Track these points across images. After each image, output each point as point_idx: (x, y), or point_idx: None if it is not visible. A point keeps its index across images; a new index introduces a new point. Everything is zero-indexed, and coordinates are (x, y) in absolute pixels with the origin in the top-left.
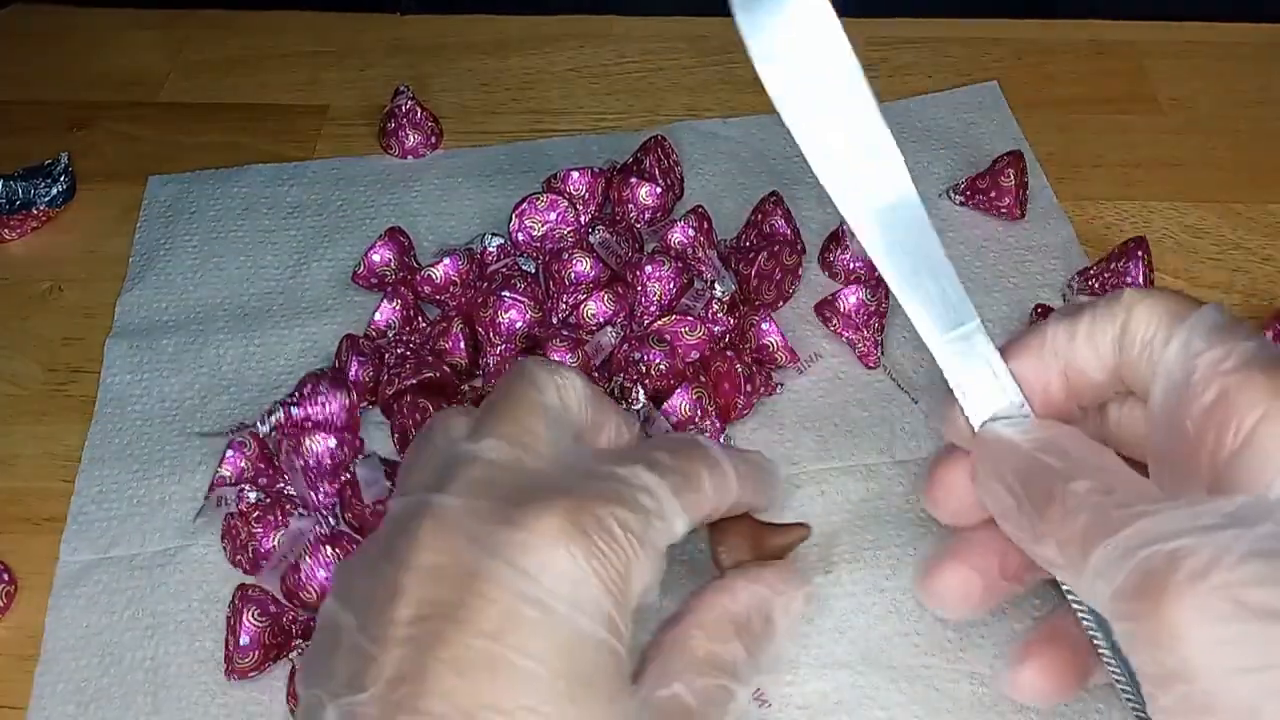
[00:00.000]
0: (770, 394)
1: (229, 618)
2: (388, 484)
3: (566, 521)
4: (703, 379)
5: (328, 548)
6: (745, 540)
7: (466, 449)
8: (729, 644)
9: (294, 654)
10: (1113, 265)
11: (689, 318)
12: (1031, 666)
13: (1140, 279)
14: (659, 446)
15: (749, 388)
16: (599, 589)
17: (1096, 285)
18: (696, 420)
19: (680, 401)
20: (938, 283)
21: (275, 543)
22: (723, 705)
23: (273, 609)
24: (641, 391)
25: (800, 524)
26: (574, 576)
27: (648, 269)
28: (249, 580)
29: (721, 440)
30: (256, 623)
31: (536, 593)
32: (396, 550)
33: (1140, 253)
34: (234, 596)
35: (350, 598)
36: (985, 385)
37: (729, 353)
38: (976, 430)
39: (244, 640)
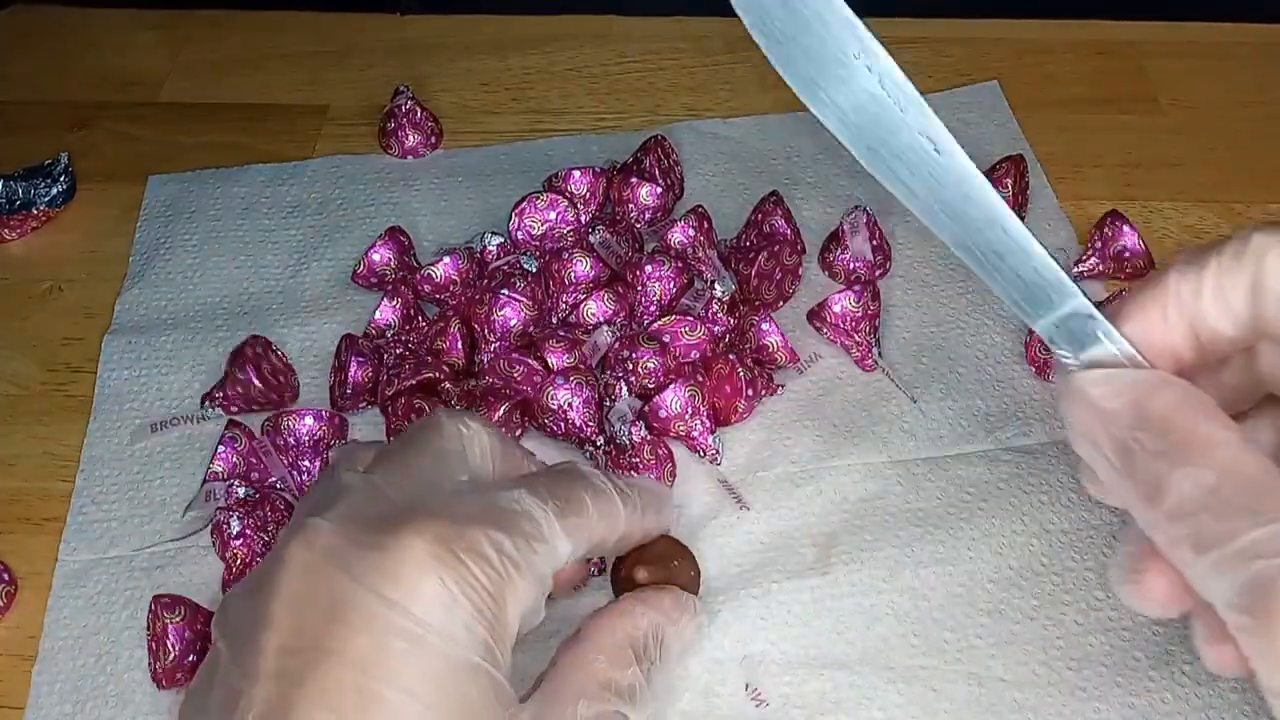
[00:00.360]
0: (771, 394)
1: (150, 628)
2: None
3: (437, 546)
4: (700, 378)
5: (234, 518)
6: (664, 565)
7: (352, 476)
8: (628, 670)
9: None
10: (1104, 233)
11: (689, 318)
12: (1155, 569)
13: (1134, 239)
14: (542, 475)
15: (750, 392)
16: (472, 615)
17: (1096, 258)
18: (687, 418)
19: (673, 397)
20: (1022, 255)
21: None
22: None
23: (187, 607)
24: (625, 388)
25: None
26: (444, 603)
27: (648, 269)
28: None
29: (712, 441)
30: (178, 623)
31: (405, 622)
32: (266, 575)
33: (1123, 229)
34: (151, 608)
35: (226, 625)
36: (1101, 359)
37: (731, 356)
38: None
39: (171, 639)
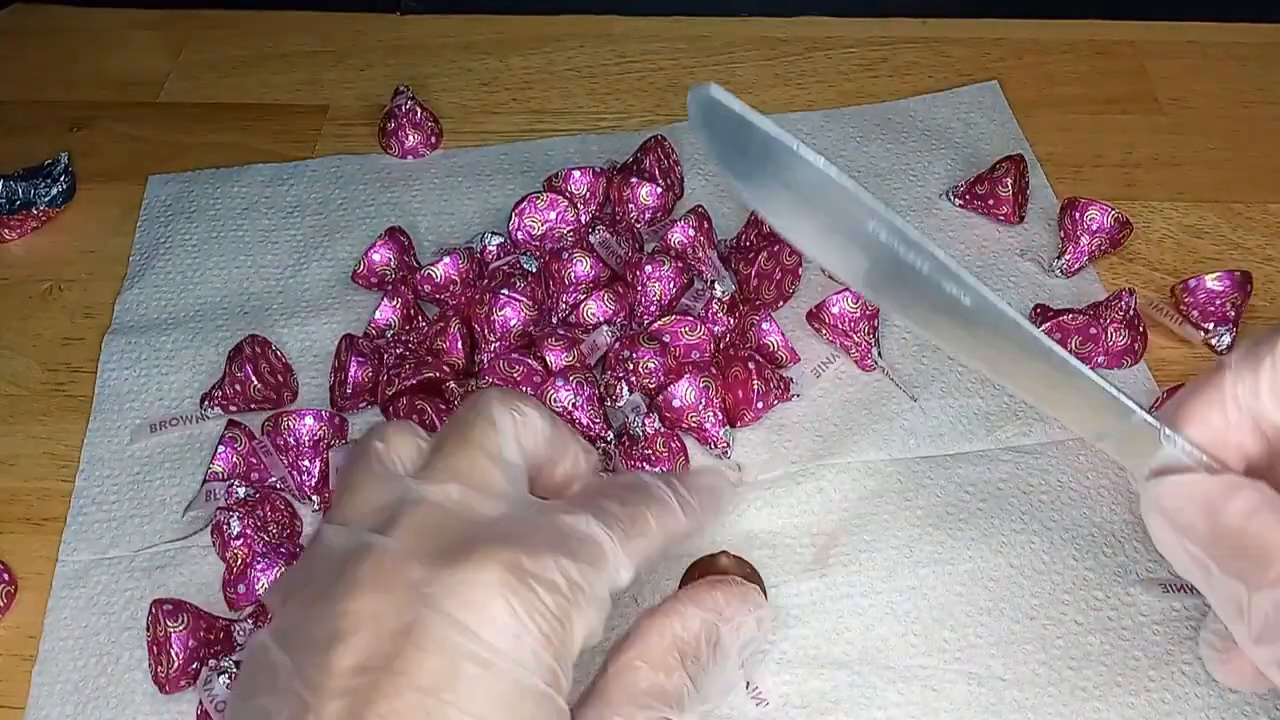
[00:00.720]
0: (786, 401)
1: (150, 631)
2: None
3: (507, 573)
4: (714, 371)
5: (234, 518)
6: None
7: (415, 489)
8: (674, 675)
9: (213, 662)
10: (1069, 222)
11: (689, 318)
12: (1241, 655)
13: (1099, 212)
14: (608, 494)
15: (760, 405)
16: (540, 642)
17: (1071, 251)
18: (700, 409)
19: (686, 388)
20: (1071, 384)
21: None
22: None
23: (189, 614)
24: (626, 388)
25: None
26: (514, 629)
27: (648, 269)
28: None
29: (723, 435)
30: (181, 632)
31: (475, 647)
32: (335, 593)
33: (1080, 203)
34: (151, 611)
35: (287, 637)
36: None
37: (751, 365)
38: (1148, 488)
39: (175, 648)
